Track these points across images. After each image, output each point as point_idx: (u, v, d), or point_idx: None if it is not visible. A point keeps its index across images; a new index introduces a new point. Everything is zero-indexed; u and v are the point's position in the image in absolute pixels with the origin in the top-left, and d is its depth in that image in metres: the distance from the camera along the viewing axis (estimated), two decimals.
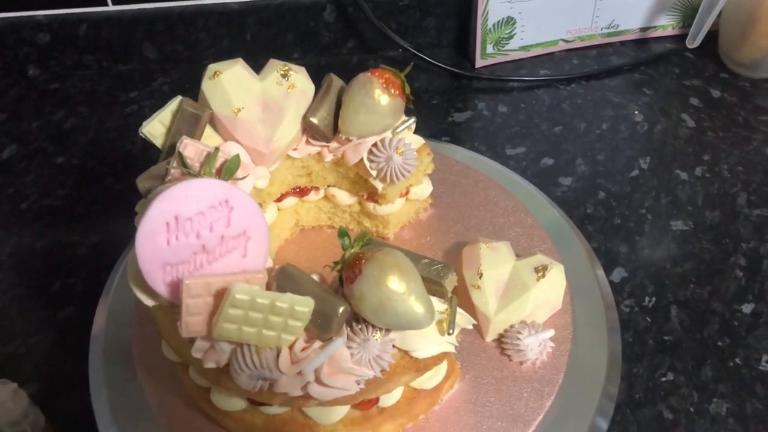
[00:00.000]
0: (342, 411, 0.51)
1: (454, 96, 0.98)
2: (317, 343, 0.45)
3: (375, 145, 0.61)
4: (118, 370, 0.59)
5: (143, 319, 0.62)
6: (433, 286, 0.47)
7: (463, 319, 0.50)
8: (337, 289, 0.47)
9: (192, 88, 0.99)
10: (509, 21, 0.98)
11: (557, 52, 1.04)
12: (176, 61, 1.03)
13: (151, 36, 1.00)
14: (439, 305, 0.48)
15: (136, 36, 1.00)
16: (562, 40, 1.03)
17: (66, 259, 0.77)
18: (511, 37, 1.00)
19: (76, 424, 0.62)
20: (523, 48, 1.02)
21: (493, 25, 0.97)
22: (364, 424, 0.52)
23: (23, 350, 0.69)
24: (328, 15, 1.00)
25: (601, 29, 1.03)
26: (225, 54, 1.02)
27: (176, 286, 0.44)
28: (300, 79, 0.60)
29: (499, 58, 1.01)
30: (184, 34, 1.00)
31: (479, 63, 1.01)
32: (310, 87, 0.61)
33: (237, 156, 0.49)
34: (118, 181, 0.87)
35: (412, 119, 0.64)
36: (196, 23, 0.99)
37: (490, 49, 1.00)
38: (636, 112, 0.95)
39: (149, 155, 0.90)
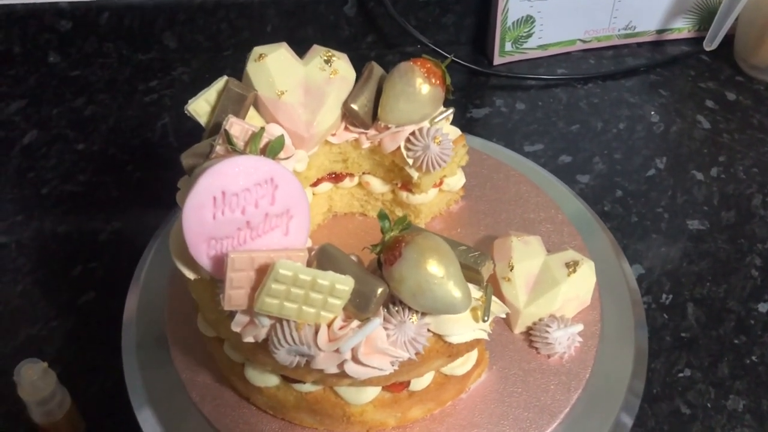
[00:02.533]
0: (373, 392, 0.52)
1: (472, 92, 0.98)
2: (355, 323, 0.45)
3: (413, 133, 0.62)
4: (150, 349, 0.60)
5: (176, 300, 0.62)
6: (469, 272, 0.48)
7: (497, 307, 0.50)
8: (375, 271, 0.47)
9: (211, 79, 0.99)
10: (528, 20, 0.99)
11: (574, 51, 1.05)
12: (196, 51, 1.03)
13: (171, 25, 1.00)
14: (474, 292, 0.48)
15: (157, 25, 1.00)
16: (580, 40, 1.04)
17: (87, 245, 0.78)
18: (529, 36, 1.00)
19: (99, 406, 0.63)
20: (541, 47, 1.02)
21: (513, 23, 0.98)
22: (394, 407, 0.53)
23: (45, 333, 0.69)
24: (348, 9, 1.01)
25: (618, 30, 1.04)
26: (245, 45, 1.02)
27: (219, 260, 0.44)
28: (342, 66, 0.60)
29: (517, 56, 1.02)
30: (204, 25, 1.00)
31: (497, 60, 1.01)
32: (352, 74, 0.61)
33: (282, 136, 0.49)
34: (138, 169, 0.87)
35: (450, 110, 0.64)
36: (217, 14, 0.99)
37: (508, 47, 1.00)
38: (652, 112, 0.95)
39: (169, 143, 0.90)
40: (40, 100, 0.96)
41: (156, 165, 0.87)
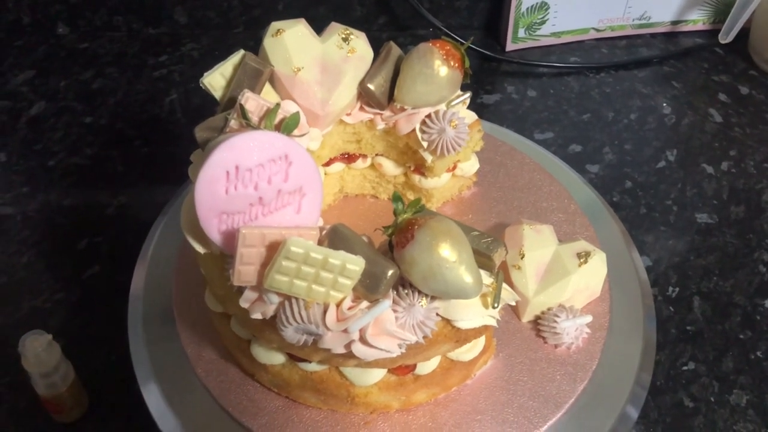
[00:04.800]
0: (378, 374, 0.52)
1: (483, 78, 0.98)
2: (364, 303, 0.45)
3: (429, 116, 0.61)
4: (156, 324, 0.60)
5: (184, 276, 0.62)
6: (481, 258, 0.47)
7: (507, 294, 0.50)
8: (386, 253, 0.47)
9: (221, 56, 0.98)
10: (543, 6, 0.98)
11: (587, 40, 1.04)
12: (206, 27, 1.02)
13: (183, 0, 0.99)
14: (485, 279, 0.48)
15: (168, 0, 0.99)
16: (594, 28, 1.03)
17: (93, 219, 0.78)
18: (543, 23, 1.00)
19: (102, 380, 0.63)
20: (554, 34, 1.01)
21: (527, 9, 0.97)
22: (399, 390, 0.53)
23: (49, 305, 0.69)
24: None
25: (633, 20, 1.03)
26: (256, 23, 1.02)
27: (230, 235, 0.44)
28: (360, 45, 0.59)
29: (530, 43, 1.01)
30: (217, 1, 0.99)
31: (510, 47, 1.01)
32: (370, 53, 0.60)
33: (297, 113, 0.49)
34: (146, 145, 0.86)
35: (468, 94, 0.63)
36: None
37: (521, 33, 1.00)
38: (664, 104, 0.95)
39: (177, 119, 0.90)
40: (47, 72, 0.96)
41: (163, 140, 0.87)
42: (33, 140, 0.86)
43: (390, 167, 0.66)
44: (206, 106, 0.91)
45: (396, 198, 0.46)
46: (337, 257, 0.42)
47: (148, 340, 0.58)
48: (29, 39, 1.00)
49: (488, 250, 0.47)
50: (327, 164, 0.65)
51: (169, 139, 0.87)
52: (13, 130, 0.87)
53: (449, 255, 0.43)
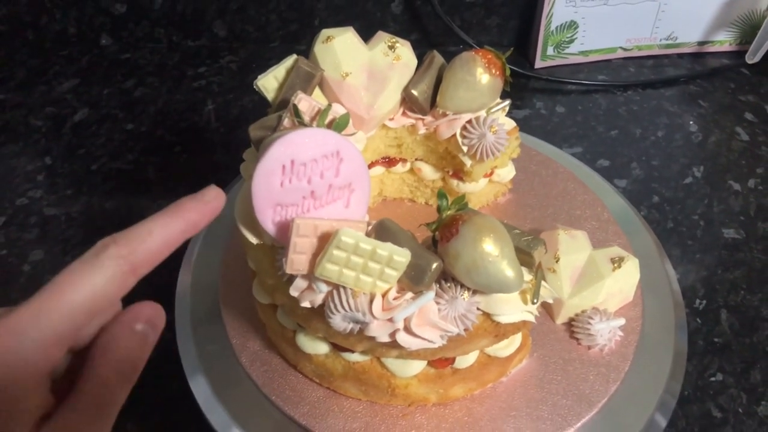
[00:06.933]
0: (418, 366, 0.53)
1: (512, 94, 0.98)
2: (408, 294, 0.47)
3: (469, 122, 0.63)
4: (202, 320, 0.62)
5: (230, 272, 0.65)
6: (522, 255, 0.49)
7: (546, 291, 0.51)
8: (429, 248, 0.48)
9: (258, 68, 1.02)
10: (572, 25, 1.00)
11: (615, 59, 1.06)
12: (244, 40, 1.05)
13: (223, 14, 1.02)
14: (525, 275, 0.49)
15: (208, 13, 1.02)
16: (621, 48, 1.05)
17: (134, 221, 0.78)
18: (572, 41, 1.02)
19: (145, 374, 0.64)
20: (582, 53, 1.04)
21: (556, 27, 0.99)
22: (438, 382, 0.54)
23: None
24: (395, 7, 1.03)
25: (660, 40, 1.05)
26: (292, 38, 1.05)
27: (283, 226, 0.46)
28: (405, 53, 0.62)
29: (558, 61, 1.03)
30: (255, 15, 1.03)
31: (539, 64, 1.03)
32: (414, 61, 0.63)
33: (347, 114, 0.51)
34: (185, 151, 0.89)
35: (507, 101, 0.65)
36: (268, 5, 1.02)
37: (550, 51, 1.02)
38: (691, 122, 0.96)
39: (214, 128, 0.92)
40: (91, 81, 0.99)
41: (202, 148, 0.90)
42: (77, 145, 0.89)
43: (429, 172, 0.68)
44: (243, 116, 0.94)
45: (441, 195, 0.48)
46: (385, 249, 0.44)
47: (195, 335, 0.60)
48: (74, 49, 1.04)
49: (529, 248, 0.49)
50: (368, 167, 0.67)
51: (207, 146, 0.90)
52: (58, 135, 0.90)
53: (492, 249, 0.45)
